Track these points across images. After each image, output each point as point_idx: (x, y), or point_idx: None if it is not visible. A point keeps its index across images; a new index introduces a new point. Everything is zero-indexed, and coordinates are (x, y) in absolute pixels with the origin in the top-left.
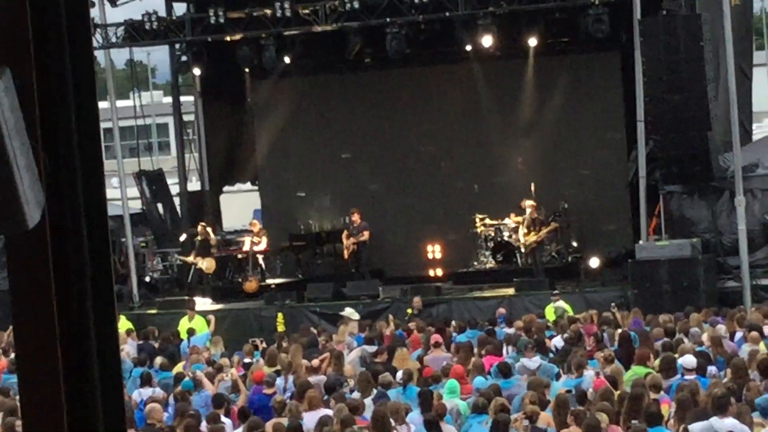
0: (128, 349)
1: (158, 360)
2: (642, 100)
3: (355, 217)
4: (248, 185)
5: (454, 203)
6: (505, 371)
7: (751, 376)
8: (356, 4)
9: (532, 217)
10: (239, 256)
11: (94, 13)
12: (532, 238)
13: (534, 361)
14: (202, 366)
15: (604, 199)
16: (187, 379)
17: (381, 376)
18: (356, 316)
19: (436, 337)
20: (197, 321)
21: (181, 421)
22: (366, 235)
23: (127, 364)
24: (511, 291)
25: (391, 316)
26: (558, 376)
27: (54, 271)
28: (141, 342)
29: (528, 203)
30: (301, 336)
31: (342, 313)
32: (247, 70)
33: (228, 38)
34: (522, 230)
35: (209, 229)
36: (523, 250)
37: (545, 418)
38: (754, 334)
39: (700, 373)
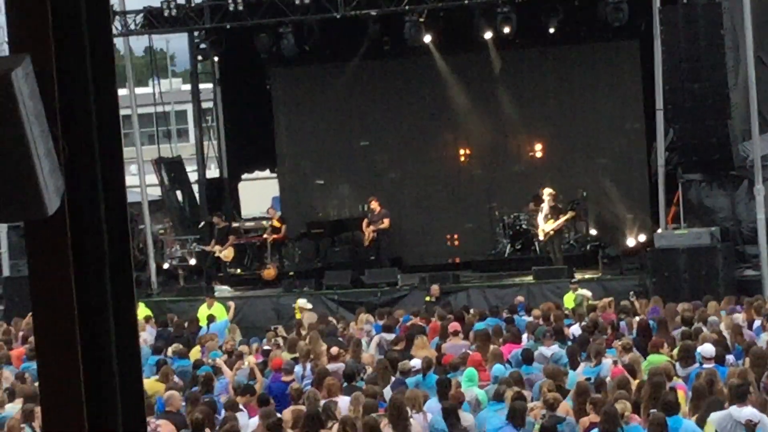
0: (146, 336)
1: (172, 347)
2: (661, 88)
3: (374, 205)
4: (267, 172)
5: (472, 191)
6: (528, 358)
7: None
8: None
9: (551, 205)
10: (258, 243)
11: (113, 0)
12: (551, 225)
13: (552, 350)
14: (219, 354)
15: (623, 187)
16: (204, 365)
17: (400, 363)
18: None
19: (454, 325)
20: (216, 308)
21: (194, 408)
22: (386, 222)
23: (144, 351)
24: (529, 279)
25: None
26: (573, 365)
27: (73, 257)
28: (159, 329)
29: (547, 191)
30: (319, 323)
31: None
32: (265, 57)
33: (247, 25)
34: (540, 218)
35: (222, 219)
36: (542, 237)
37: (564, 406)
38: None
39: (719, 362)
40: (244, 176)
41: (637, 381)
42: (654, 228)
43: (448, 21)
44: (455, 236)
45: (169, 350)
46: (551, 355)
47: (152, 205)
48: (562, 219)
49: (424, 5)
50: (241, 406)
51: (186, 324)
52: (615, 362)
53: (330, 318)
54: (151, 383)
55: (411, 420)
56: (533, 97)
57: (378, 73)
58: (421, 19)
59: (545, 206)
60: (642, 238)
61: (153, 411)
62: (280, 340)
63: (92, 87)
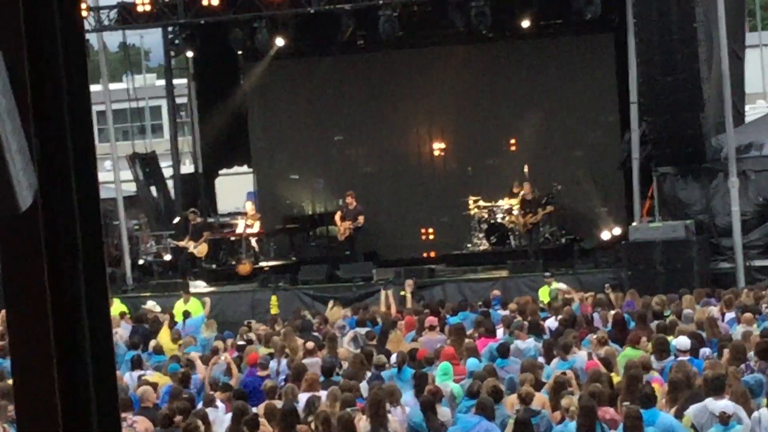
0: (121, 332)
1: (152, 343)
2: (635, 81)
3: (349, 200)
4: (243, 168)
5: (447, 185)
6: (503, 352)
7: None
8: None
9: (528, 199)
10: (232, 238)
11: None
12: (530, 219)
13: (527, 343)
14: (196, 348)
15: (598, 180)
16: (174, 363)
17: (375, 358)
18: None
19: (431, 320)
20: (192, 304)
21: (175, 403)
22: (361, 220)
23: (120, 348)
24: (504, 273)
25: (389, 293)
26: (549, 358)
27: (46, 254)
28: (134, 325)
29: (525, 185)
30: (295, 318)
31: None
32: (240, 52)
33: (220, 20)
34: (518, 211)
35: (197, 214)
36: (520, 231)
37: (540, 399)
38: (748, 315)
39: (694, 355)
40: (221, 172)
41: (612, 374)
42: (629, 221)
43: (421, 15)
44: (430, 230)
45: (150, 346)
46: (524, 349)
47: (127, 201)
48: (541, 212)
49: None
50: (218, 402)
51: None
52: (589, 355)
53: (303, 312)
54: (158, 377)
55: (389, 414)
56: (508, 90)
57: (352, 67)
58: (395, 14)
59: (522, 199)
60: (617, 231)
61: (130, 407)
62: (253, 336)
63: (65, 83)
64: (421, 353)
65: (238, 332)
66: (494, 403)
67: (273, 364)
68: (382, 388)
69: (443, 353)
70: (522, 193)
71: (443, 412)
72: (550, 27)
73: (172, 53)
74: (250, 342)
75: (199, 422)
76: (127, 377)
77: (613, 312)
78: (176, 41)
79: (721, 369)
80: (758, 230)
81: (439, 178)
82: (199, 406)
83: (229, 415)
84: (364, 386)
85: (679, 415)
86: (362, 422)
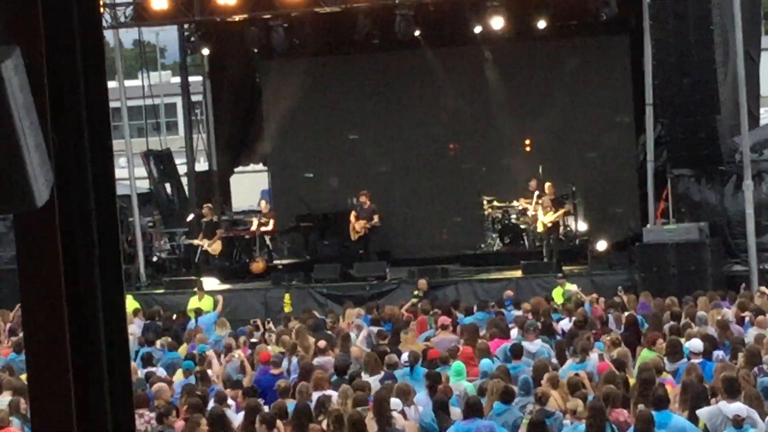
0: (135, 329)
1: (161, 340)
2: (650, 83)
3: (363, 199)
4: (257, 166)
5: (461, 185)
6: (517, 353)
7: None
8: None
9: (551, 198)
10: (246, 236)
11: None
12: (550, 217)
13: (535, 344)
14: (207, 347)
15: (612, 182)
16: (189, 360)
17: (387, 356)
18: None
19: (443, 319)
20: (206, 301)
21: (188, 400)
22: (376, 219)
23: (132, 344)
24: (518, 273)
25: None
26: (561, 360)
27: (62, 249)
28: (147, 322)
29: (546, 184)
30: (307, 317)
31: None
32: (255, 50)
33: (236, 19)
34: (539, 210)
35: (212, 210)
36: (540, 229)
37: (553, 401)
38: (762, 318)
39: (707, 357)
40: (236, 169)
41: (626, 376)
42: (643, 223)
43: (438, 15)
44: (444, 230)
45: (158, 343)
46: (535, 351)
47: (141, 198)
48: (561, 211)
49: None
50: (230, 400)
51: (174, 317)
52: (601, 356)
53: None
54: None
55: (396, 414)
56: (523, 91)
57: (368, 67)
58: (411, 13)
59: (545, 199)
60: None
61: (147, 403)
62: (258, 336)
63: (82, 79)
64: (433, 353)
65: (246, 330)
66: (505, 403)
67: (285, 362)
68: (390, 388)
69: (461, 353)
70: (546, 191)
71: (455, 411)
72: (565, 28)
73: (188, 51)
74: (264, 340)
75: (203, 420)
76: (141, 374)
77: (626, 314)
78: (192, 39)
79: (733, 372)
80: None
81: (453, 177)
82: (211, 403)
83: (241, 413)
84: (376, 385)
85: (691, 417)
86: (370, 421)
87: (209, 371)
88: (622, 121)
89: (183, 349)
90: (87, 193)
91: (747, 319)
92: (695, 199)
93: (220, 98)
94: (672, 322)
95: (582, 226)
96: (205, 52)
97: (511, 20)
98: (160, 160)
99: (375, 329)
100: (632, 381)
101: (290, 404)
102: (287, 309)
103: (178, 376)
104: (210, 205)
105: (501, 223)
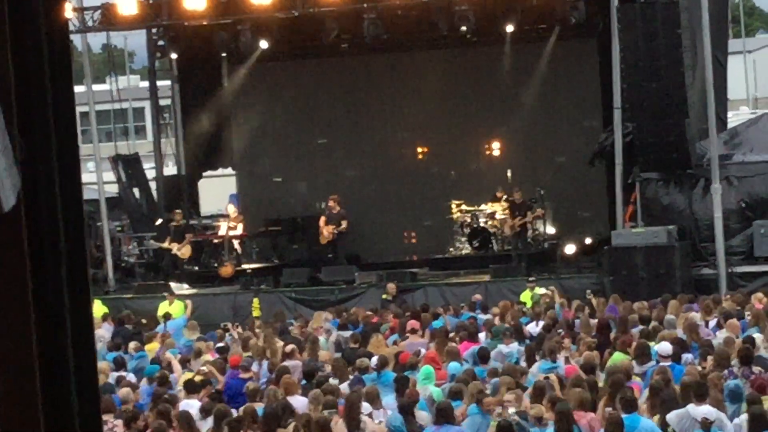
0: (103, 333)
1: (132, 344)
2: (619, 87)
3: (333, 204)
4: (226, 170)
5: (430, 189)
6: (484, 357)
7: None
8: None
9: (518, 202)
10: (215, 240)
11: None
12: (518, 222)
13: (511, 348)
14: (176, 351)
15: (581, 185)
16: (152, 364)
17: (357, 361)
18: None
19: (413, 323)
20: (176, 305)
21: (156, 404)
22: (345, 224)
23: (101, 349)
24: (486, 277)
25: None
26: (531, 363)
27: (29, 253)
28: (116, 326)
29: (515, 191)
30: (275, 321)
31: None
32: (223, 54)
33: (205, 23)
34: (504, 214)
35: (182, 215)
36: (507, 233)
37: (524, 403)
38: (732, 321)
39: (675, 360)
40: (205, 174)
41: (595, 379)
42: (611, 226)
43: (406, 19)
44: (413, 234)
45: (130, 346)
46: (507, 354)
47: (109, 203)
48: (530, 215)
49: (382, 3)
50: (195, 402)
51: (144, 321)
52: (567, 359)
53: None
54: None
55: (365, 417)
56: (491, 95)
57: (336, 71)
58: (379, 18)
59: (512, 202)
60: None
61: (114, 408)
62: (236, 335)
63: (49, 84)
64: (404, 357)
65: (216, 334)
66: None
67: (255, 366)
68: (362, 390)
69: (426, 357)
70: (512, 198)
71: (421, 415)
72: (533, 32)
73: (157, 55)
74: (226, 349)
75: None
76: (110, 379)
77: (595, 318)
78: (160, 43)
79: (702, 375)
80: (740, 236)
81: (422, 181)
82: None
83: (210, 418)
84: (345, 389)
85: (660, 421)
86: (339, 424)
87: (172, 375)
88: (590, 124)
89: (153, 352)
90: (54, 197)
91: (715, 322)
92: (664, 202)
93: (188, 102)
94: (641, 326)
95: (550, 230)
96: (174, 56)
97: (479, 24)
98: (129, 165)
99: (346, 333)
100: (601, 384)
101: (259, 408)
102: (256, 313)
103: (145, 381)
104: (180, 211)
105: (470, 227)
